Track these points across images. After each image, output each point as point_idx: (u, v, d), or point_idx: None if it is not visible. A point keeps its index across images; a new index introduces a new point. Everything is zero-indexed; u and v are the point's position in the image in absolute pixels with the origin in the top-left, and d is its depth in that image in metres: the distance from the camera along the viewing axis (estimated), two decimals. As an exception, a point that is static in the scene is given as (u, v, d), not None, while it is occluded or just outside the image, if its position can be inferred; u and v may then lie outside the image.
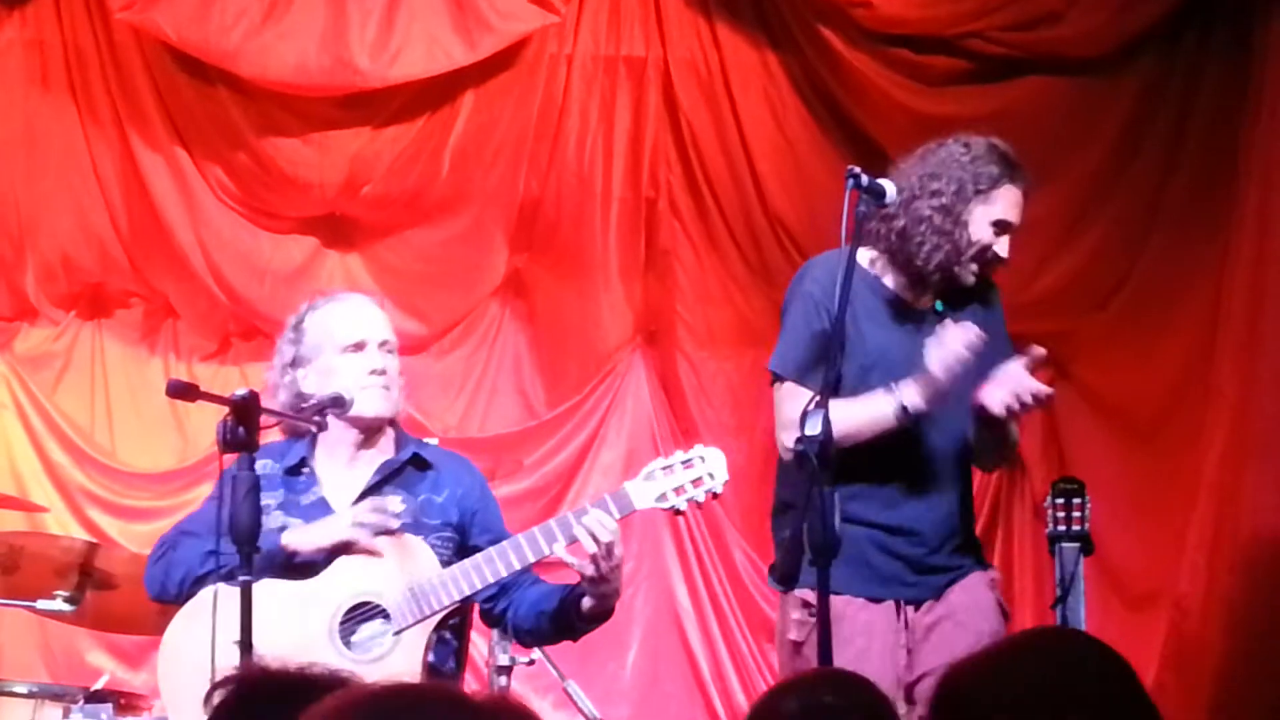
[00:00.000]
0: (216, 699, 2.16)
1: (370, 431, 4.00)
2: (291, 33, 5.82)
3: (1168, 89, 5.86)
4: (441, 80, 5.94)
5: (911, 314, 3.99)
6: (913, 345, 3.88)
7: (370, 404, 3.95)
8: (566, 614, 3.91)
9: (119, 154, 6.00)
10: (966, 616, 3.94)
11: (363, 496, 3.98)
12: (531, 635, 4.07)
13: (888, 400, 3.84)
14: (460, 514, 4.00)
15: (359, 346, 3.97)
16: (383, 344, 4.00)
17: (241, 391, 3.61)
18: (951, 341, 3.78)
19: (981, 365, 3.85)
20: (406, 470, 4.02)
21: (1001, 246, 3.94)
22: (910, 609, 3.96)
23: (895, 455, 3.93)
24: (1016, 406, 3.82)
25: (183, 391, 3.83)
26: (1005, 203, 3.96)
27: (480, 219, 6.04)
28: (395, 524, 3.86)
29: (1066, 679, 1.90)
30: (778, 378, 4.00)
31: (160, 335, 6.13)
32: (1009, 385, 3.81)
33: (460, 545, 4.01)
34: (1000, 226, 3.95)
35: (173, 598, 3.94)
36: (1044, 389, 3.83)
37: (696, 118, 6.04)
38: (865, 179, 3.77)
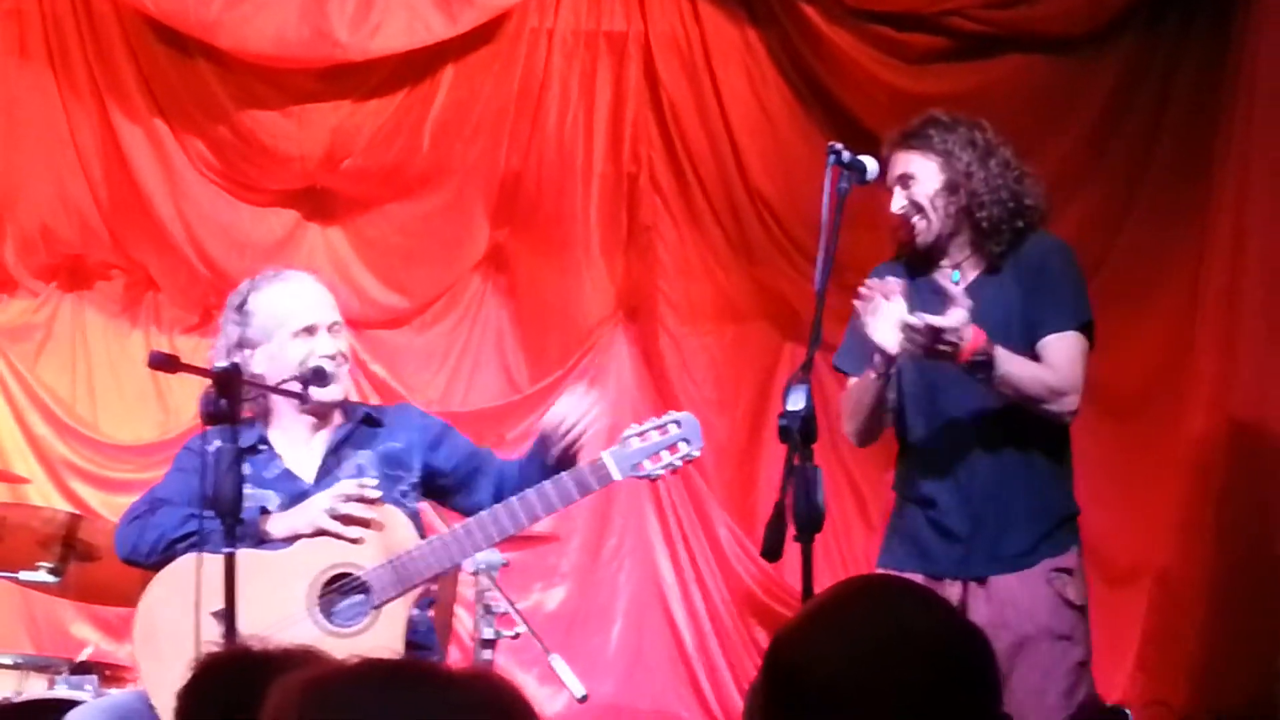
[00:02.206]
0: (188, 678, 2.17)
1: (321, 414, 4.03)
2: (271, 5, 5.80)
3: (1148, 69, 5.87)
4: (422, 54, 5.93)
5: (935, 288, 4.01)
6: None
7: (325, 391, 3.98)
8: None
9: (98, 125, 5.97)
10: (1014, 615, 3.91)
11: (324, 462, 4.01)
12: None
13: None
14: (425, 453, 4.03)
15: (310, 331, 3.99)
16: (332, 326, 4.03)
17: (223, 364, 3.62)
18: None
19: (1005, 326, 3.91)
20: (360, 430, 4.05)
21: (891, 206, 4.08)
22: (968, 584, 3.96)
23: (921, 429, 4.03)
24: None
25: (164, 363, 3.85)
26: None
27: (461, 193, 6.03)
28: (373, 514, 3.88)
29: (900, 636, 1.84)
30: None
31: (141, 307, 6.12)
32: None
33: (432, 486, 4.04)
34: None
35: (143, 558, 3.94)
36: (914, 320, 3.82)
37: (677, 93, 6.04)
38: (846, 155, 3.82)
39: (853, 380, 4.11)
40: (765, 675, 1.89)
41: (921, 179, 4.04)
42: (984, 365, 3.84)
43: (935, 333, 3.78)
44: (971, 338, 3.82)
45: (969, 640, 1.89)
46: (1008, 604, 3.93)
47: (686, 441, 3.95)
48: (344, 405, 4.09)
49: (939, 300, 3.90)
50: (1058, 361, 3.98)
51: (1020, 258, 4.05)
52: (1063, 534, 4.04)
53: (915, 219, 4.04)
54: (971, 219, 4.04)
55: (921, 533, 4.02)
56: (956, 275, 4.03)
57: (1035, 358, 3.98)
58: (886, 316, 3.88)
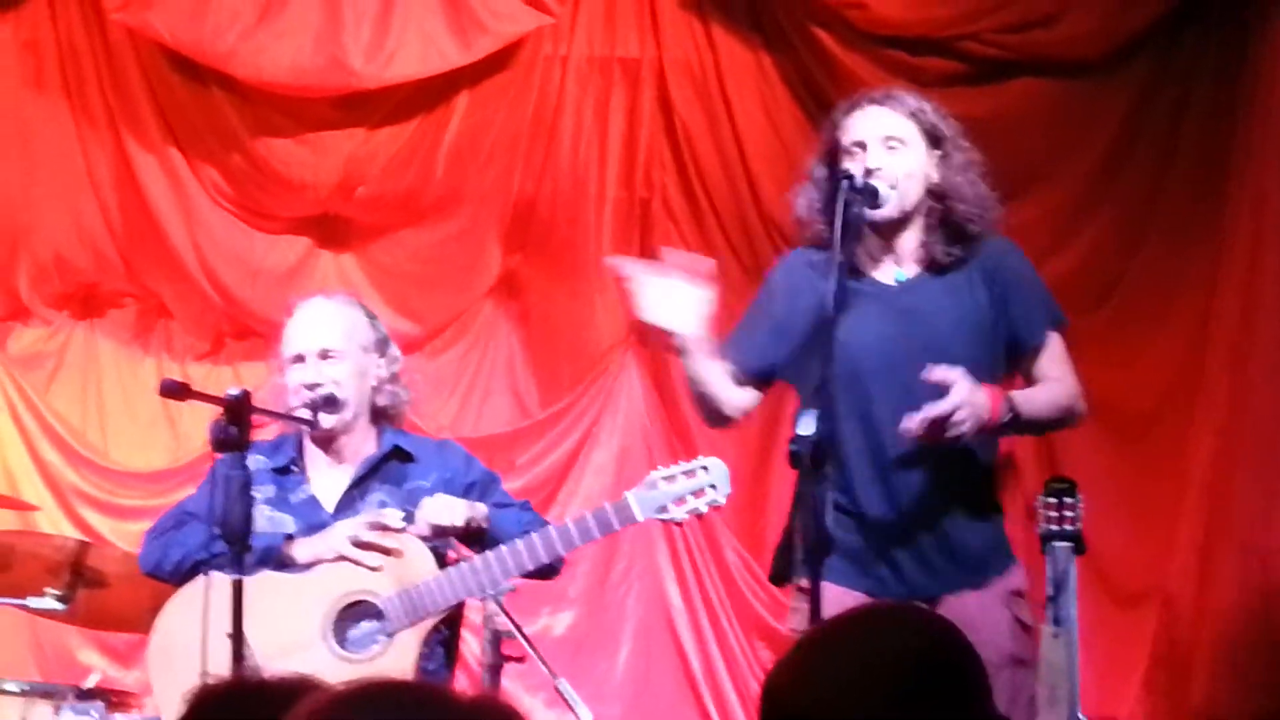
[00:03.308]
0: (183, 711, 2.14)
1: (324, 441, 4.02)
2: (286, 34, 5.82)
3: (1163, 92, 5.86)
4: (436, 81, 5.94)
5: (874, 287, 3.89)
6: (878, 325, 3.82)
7: (327, 419, 3.98)
8: None
9: (113, 154, 6.00)
10: (976, 641, 3.78)
11: (347, 493, 4.00)
12: None
13: None
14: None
15: (298, 359, 4.03)
16: (323, 354, 4.02)
17: (234, 391, 3.64)
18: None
19: (959, 328, 3.81)
20: (389, 463, 4.04)
21: (868, 161, 3.80)
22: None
23: (857, 438, 3.82)
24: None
25: (175, 391, 3.87)
26: (854, 126, 3.87)
27: (474, 220, 6.04)
28: (394, 544, 3.87)
29: (893, 670, 1.83)
30: None
31: (153, 335, 6.12)
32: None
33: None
34: (855, 149, 3.83)
35: (166, 575, 3.99)
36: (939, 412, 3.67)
37: (691, 119, 6.03)
38: (859, 180, 3.77)
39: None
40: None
41: (911, 149, 3.84)
42: (1012, 421, 3.76)
43: (943, 420, 3.64)
44: (988, 404, 3.70)
45: (963, 657, 1.86)
46: (968, 628, 3.81)
47: (714, 487, 3.92)
48: (378, 432, 4.07)
49: (878, 306, 3.80)
50: (1057, 372, 3.90)
51: (976, 260, 3.88)
52: (1005, 547, 3.95)
53: (885, 190, 3.79)
54: (934, 212, 3.86)
55: (855, 547, 3.81)
56: (901, 274, 3.88)
57: (1013, 362, 3.90)
58: (660, 292, 3.79)
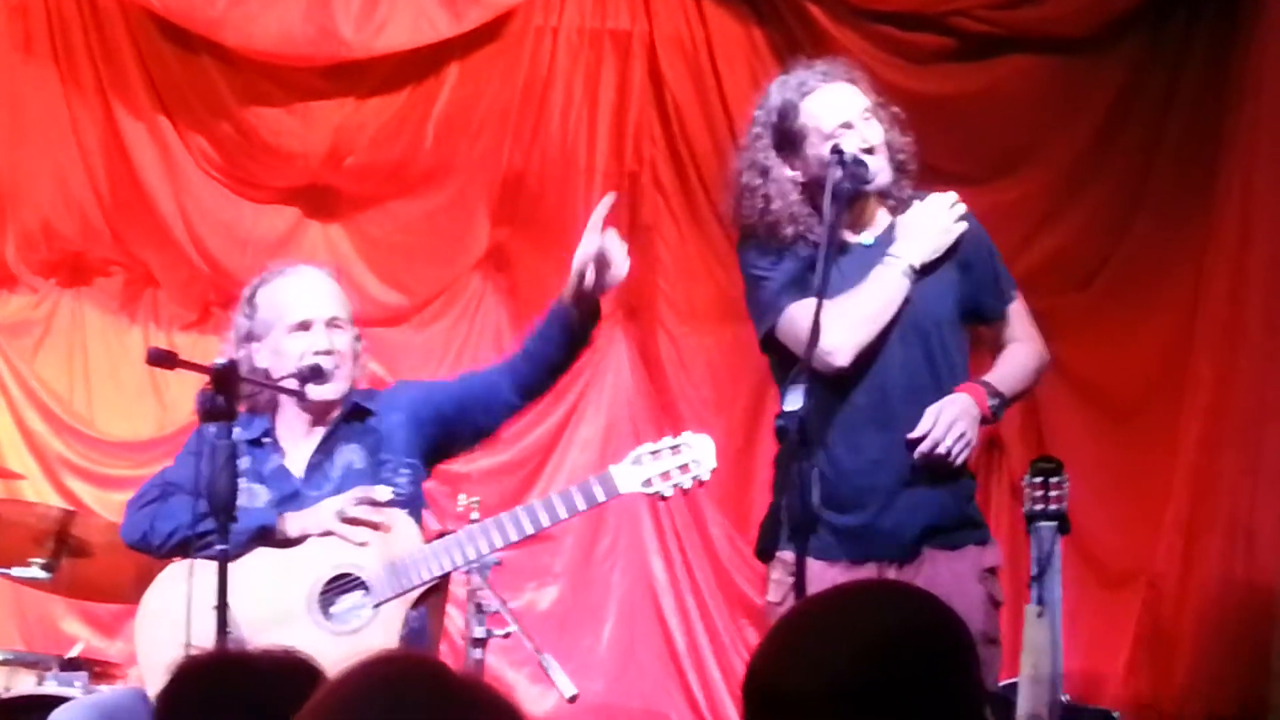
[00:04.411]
0: (166, 682, 2.14)
1: (319, 412, 4.01)
2: (276, 2, 5.80)
3: (1153, 69, 5.85)
4: (426, 51, 5.93)
5: (851, 250, 3.91)
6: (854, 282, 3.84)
7: (322, 390, 3.96)
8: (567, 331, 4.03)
9: (101, 122, 5.97)
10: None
11: (314, 456, 3.99)
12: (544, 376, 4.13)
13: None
14: (416, 425, 4.01)
15: (305, 326, 3.99)
16: (330, 321, 4.01)
17: (221, 360, 3.64)
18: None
19: (944, 286, 3.84)
20: (351, 423, 4.03)
21: (867, 139, 3.83)
22: (893, 568, 3.82)
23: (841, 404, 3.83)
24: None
25: (162, 360, 3.86)
26: (828, 107, 3.87)
27: (463, 191, 6.03)
28: (380, 518, 3.87)
29: (880, 649, 1.78)
30: (773, 328, 3.95)
31: (140, 304, 6.11)
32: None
33: (438, 443, 4.02)
34: (841, 131, 3.84)
35: (154, 549, 3.96)
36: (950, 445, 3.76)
37: (681, 92, 6.03)
38: (848, 155, 3.77)
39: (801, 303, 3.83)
40: (749, 707, 1.85)
41: (875, 119, 3.89)
42: (1001, 402, 3.83)
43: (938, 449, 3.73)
44: (972, 403, 3.77)
45: (951, 631, 1.85)
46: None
47: (698, 462, 3.93)
48: (343, 400, 4.08)
49: (856, 268, 3.82)
50: (1025, 332, 3.97)
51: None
52: (980, 518, 3.97)
53: (875, 162, 3.84)
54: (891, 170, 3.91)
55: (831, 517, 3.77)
56: (869, 239, 3.91)
57: (979, 325, 3.95)
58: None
